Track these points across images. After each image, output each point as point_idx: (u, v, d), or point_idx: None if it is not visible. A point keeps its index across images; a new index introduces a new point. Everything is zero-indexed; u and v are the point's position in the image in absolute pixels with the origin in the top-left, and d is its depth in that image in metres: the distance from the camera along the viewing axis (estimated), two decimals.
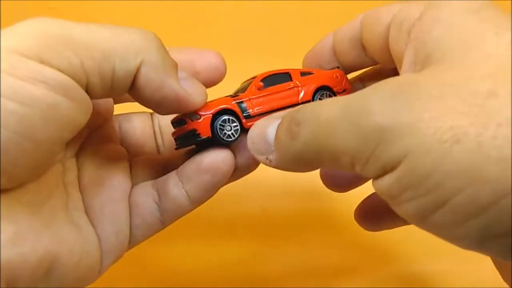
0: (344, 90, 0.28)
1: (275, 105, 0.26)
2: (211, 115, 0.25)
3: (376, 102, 0.17)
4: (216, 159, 0.25)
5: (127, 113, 0.29)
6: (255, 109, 0.26)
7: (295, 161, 0.21)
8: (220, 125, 0.25)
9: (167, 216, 0.26)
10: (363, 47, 0.26)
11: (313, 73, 0.28)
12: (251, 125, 0.25)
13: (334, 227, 0.43)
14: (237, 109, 0.26)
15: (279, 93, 0.27)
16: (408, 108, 0.17)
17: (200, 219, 0.43)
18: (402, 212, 0.18)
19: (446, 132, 0.16)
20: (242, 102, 0.26)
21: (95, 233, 0.24)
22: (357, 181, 0.29)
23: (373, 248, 0.42)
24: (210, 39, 0.49)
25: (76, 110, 0.20)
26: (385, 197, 0.18)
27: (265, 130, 0.23)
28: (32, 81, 0.18)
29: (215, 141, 0.25)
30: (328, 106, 0.19)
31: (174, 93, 0.23)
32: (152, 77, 0.22)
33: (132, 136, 0.29)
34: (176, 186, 0.25)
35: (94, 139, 0.27)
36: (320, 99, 0.27)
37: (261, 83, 0.26)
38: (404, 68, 0.21)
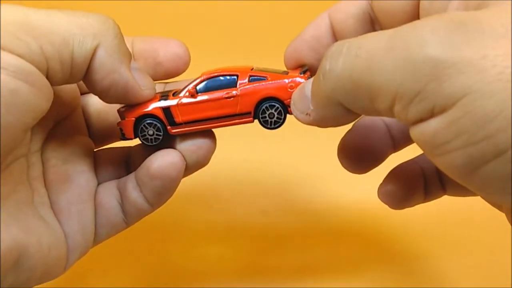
0: None
1: (205, 114, 0.25)
2: (133, 119, 0.25)
3: (431, 33, 0.15)
4: (162, 164, 0.25)
5: (91, 95, 0.28)
6: (183, 116, 0.25)
7: (328, 104, 0.20)
8: (144, 126, 0.25)
9: (130, 217, 0.26)
10: (374, 22, 0.25)
11: (266, 78, 0.25)
12: (176, 132, 0.25)
13: (335, 230, 0.43)
14: (161, 116, 0.25)
15: (215, 101, 0.25)
16: (471, 43, 0.15)
17: (200, 221, 0.43)
18: (445, 163, 0.16)
19: None
20: (169, 108, 0.25)
21: (61, 228, 0.24)
22: (375, 162, 0.27)
23: (376, 250, 0.42)
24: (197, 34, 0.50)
25: (37, 96, 0.20)
26: (425, 145, 0.17)
27: (303, 87, 0.22)
28: None
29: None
30: (372, 37, 0.18)
31: (124, 80, 0.23)
32: (105, 61, 0.22)
33: (98, 121, 0.29)
34: (135, 189, 0.26)
35: (60, 131, 0.26)
36: (264, 112, 0.25)
37: (194, 90, 0.25)
38: None
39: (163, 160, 0.25)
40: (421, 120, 0.16)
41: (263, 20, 0.53)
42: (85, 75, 0.22)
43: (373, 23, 0.25)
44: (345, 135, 0.27)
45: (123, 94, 0.23)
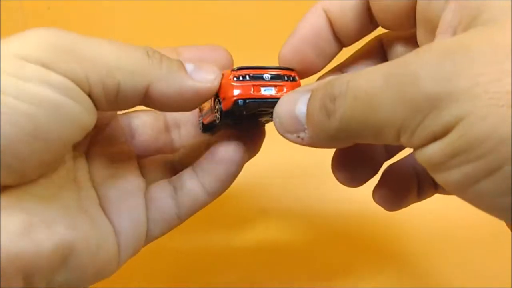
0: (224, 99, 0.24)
1: None
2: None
3: (422, 69, 0.16)
4: (228, 149, 0.25)
5: (136, 111, 0.29)
6: None
7: (332, 139, 0.20)
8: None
9: (184, 210, 0.26)
10: (371, 15, 0.25)
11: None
12: None
13: (335, 229, 0.43)
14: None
15: None
16: (461, 73, 0.16)
17: (200, 222, 0.43)
18: (444, 180, 0.17)
19: (504, 97, 0.15)
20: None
21: (110, 225, 0.24)
22: (371, 174, 0.28)
23: (376, 249, 0.42)
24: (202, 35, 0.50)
25: (80, 111, 0.20)
26: (428, 165, 0.18)
27: (293, 107, 0.22)
28: (36, 82, 0.19)
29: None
30: (367, 77, 0.18)
31: (191, 91, 0.23)
32: (166, 91, 0.22)
33: (143, 133, 0.29)
34: (192, 179, 0.26)
35: (101, 139, 0.27)
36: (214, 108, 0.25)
37: None
38: (440, 30, 0.20)
39: (228, 146, 0.26)
40: (425, 145, 0.17)
41: (266, 21, 0.53)
42: (148, 104, 0.23)
43: (370, 12, 0.24)
44: (338, 149, 0.27)
45: (197, 99, 0.23)
